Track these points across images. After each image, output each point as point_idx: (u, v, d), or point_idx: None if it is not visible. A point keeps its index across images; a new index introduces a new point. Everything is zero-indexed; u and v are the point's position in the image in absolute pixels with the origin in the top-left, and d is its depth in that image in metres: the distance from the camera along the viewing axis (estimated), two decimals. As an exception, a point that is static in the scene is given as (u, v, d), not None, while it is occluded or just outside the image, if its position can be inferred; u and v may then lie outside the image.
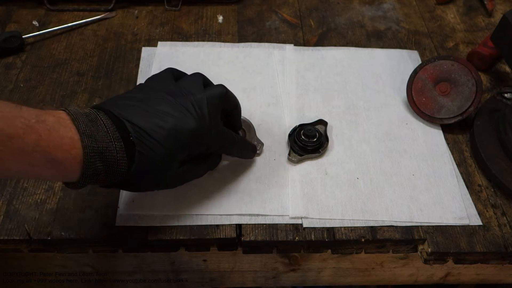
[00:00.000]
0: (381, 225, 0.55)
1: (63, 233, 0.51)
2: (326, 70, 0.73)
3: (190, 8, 0.82)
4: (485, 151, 0.60)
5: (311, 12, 0.83)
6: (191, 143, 0.47)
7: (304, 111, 0.66)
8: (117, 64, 0.71)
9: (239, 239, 0.53)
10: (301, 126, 0.62)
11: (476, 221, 0.56)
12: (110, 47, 0.74)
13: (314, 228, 0.54)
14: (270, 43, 0.76)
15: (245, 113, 0.63)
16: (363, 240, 0.53)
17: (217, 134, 0.49)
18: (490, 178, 0.60)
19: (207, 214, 0.54)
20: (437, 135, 0.65)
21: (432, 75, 0.66)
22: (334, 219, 0.55)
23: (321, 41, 0.78)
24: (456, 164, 0.62)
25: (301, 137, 0.60)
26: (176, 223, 0.53)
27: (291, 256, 0.59)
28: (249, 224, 0.54)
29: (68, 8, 0.80)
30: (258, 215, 0.54)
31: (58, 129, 0.40)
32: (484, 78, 0.74)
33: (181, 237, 0.52)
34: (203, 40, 0.76)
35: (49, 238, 0.51)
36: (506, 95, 0.62)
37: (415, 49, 0.77)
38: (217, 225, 0.53)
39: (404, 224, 0.55)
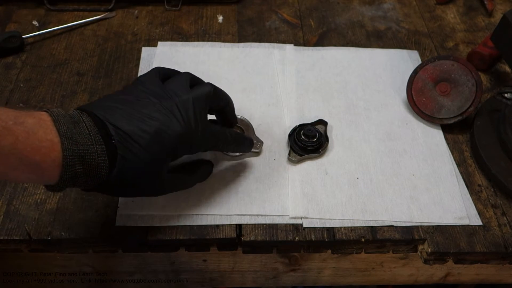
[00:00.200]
0: (381, 225, 0.55)
1: (63, 233, 0.51)
2: (326, 70, 0.73)
3: (190, 8, 0.82)
4: (485, 151, 0.60)
5: (311, 12, 0.83)
6: (176, 147, 0.46)
7: (304, 111, 0.66)
8: (117, 64, 0.71)
9: (239, 239, 0.53)
10: (301, 126, 0.62)
11: (476, 221, 0.56)
12: (110, 47, 0.74)
13: (314, 228, 0.54)
14: (270, 43, 0.76)
15: (245, 113, 0.64)
16: (363, 240, 0.53)
17: (204, 135, 0.48)
18: (490, 178, 0.60)
19: (207, 214, 0.54)
20: (437, 135, 0.65)
21: (432, 75, 0.66)
22: (334, 219, 0.55)
23: (321, 41, 0.78)
24: (456, 164, 0.62)
25: (301, 137, 0.60)
26: (176, 223, 0.53)
27: (291, 256, 0.59)
28: (249, 224, 0.54)
29: (68, 8, 0.80)
30: (258, 215, 0.54)
31: (37, 132, 0.39)
32: (484, 78, 0.74)
33: (181, 237, 0.52)
34: (203, 40, 0.76)
35: (49, 238, 0.51)
36: (506, 95, 0.62)
37: (415, 49, 0.77)
38: (217, 225, 0.53)
39: (404, 224, 0.55)
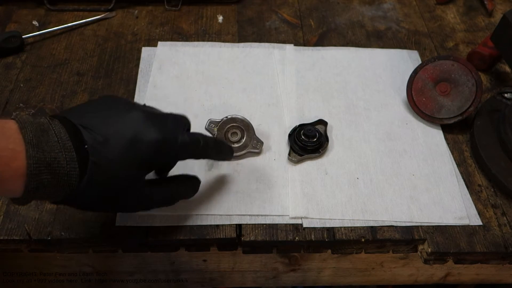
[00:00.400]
0: (381, 225, 0.55)
1: (63, 233, 0.51)
2: (326, 70, 0.73)
3: (190, 8, 0.82)
4: (485, 151, 0.60)
5: (311, 12, 0.83)
6: (154, 155, 0.44)
7: (304, 111, 0.66)
8: (117, 64, 0.71)
9: (239, 239, 0.53)
10: (301, 126, 0.62)
11: (476, 221, 0.56)
12: (110, 47, 0.74)
13: (314, 228, 0.54)
14: (270, 43, 0.76)
15: (245, 113, 0.64)
16: (363, 240, 0.53)
17: (183, 143, 0.46)
18: (490, 178, 0.60)
19: (207, 214, 0.54)
20: (437, 135, 0.65)
21: (432, 75, 0.66)
22: (334, 219, 0.55)
23: (321, 41, 0.78)
24: (456, 164, 0.62)
25: (301, 137, 0.60)
26: (176, 223, 0.53)
27: (291, 256, 0.59)
28: (249, 224, 0.54)
29: (68, 8, 0.80)
30: (258, 215, 0.54)
31: None
32: (484, 78, 0.74)
33: (181, 237, 0.52)
34: (203, 40, 0.76)
35: (49, 238, 0.51)
36: (506, 95, 0.62)
37: (415, 49, 0.77)
38: (217, 225, 0.53)
39: (404, 224, 0.55)
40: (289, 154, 0.60)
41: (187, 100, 0.66)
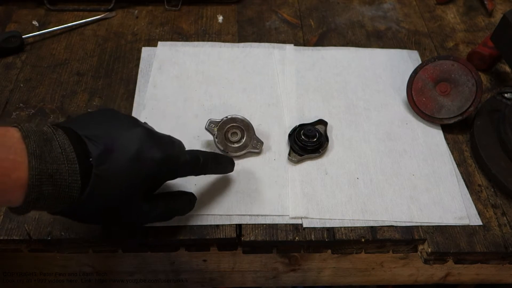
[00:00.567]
0: (381, 225, 0.55)
1: (63, 233, 0.51)
2: (326, 70, 0.73)
3: (190, 8, 0.82)
4: (485, 151, 0.60)
5: (311, 12, 0.83)
6: (157, 170, 0.44)
7: (304, 111, 0.66)
8: (117, 64, 0.71)
9: (239, 239, 0.53)
10: (301, 126, 0.62)
11: (476, 221, 0.56)
12: (110, 47, 0.74)
13: (314, 228, 0.54)
14: (270, 43, 0.76)
15: (245, 113, 0.64)
16: (363, 240, 0.53)
17: (184, 159, 0.47)
18: (490, 178, 0.60)
19: (207, 214, 0.54)
20: (437, 135, 0.65)
21: (432, 75, 0.66)
22: (334, 219, 0.55)
23: (321, 41, 0.78)
24: (456, 164, 0.62)
25: (301, 137, 0.60)
26: (176, 223, 0.53)
27: (291, 256, 0.59)
28: (249, 224, 0.54)
29: (68, 8, 0.80)
30: (258, 215, 0.54)
31: None
32: (484, 78, 0.74)
33: (181, 237, 0.52)
34: (203, 40, 0.76)
35: (49, 238, 0.51)
36: (506, 95, 0.62)
37: (415, 49, 0.77)
38: (217, 225, 0.53)
39: (404, 224, 0.55)
40: (289, 154, 0.60)
41: (187, 100, 0.66)
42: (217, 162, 0.53)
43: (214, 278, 0.63)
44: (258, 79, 0.70)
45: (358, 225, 0.54)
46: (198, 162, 0.48)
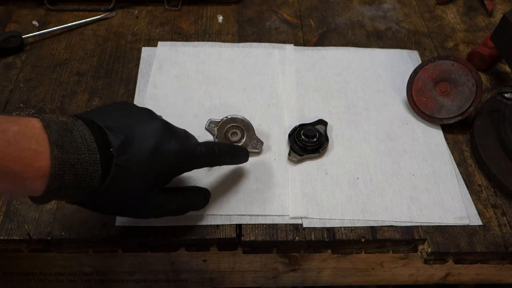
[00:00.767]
0: (381, 225, 0.55)
1: (63, 233, 0.51)
2: (326, 70, 0.73)
3: (190, 8, 0.82)
4: (485, 151, 0.60)
5: (311, 12, 0.83)
6: (174, 164, 0.45)
7: (304, 111, 0.66)
8: (117, 64, 0.71)
9: (239, 239, 0.53)
10: (301, 126, 0.62)
11: (476, 221, 0.56)
12: (110, 47, 0.74)
13: (314, 228, 0.54)
14: (270, 43, 0.76)
15: (245, 113, 0.64)
16: (363, 240, 0.53)
17: (201, 150, 0.47)
18: (490, 178, 0.60)
19: (207, 214, 0.54)
20: (437, 135, 0.65)
21: (432, 75, 0.66)
22: (334, 219, 0.55)
23: (321, 41, 0.78)
24: (456, 164, 0.62)
25: (301, 137, 0.60)
26: (176, 223, 0.53)
27: (291, 256, 0.59)
28: (249, 224, 0.54)
29: (68, 8, 0.80)
30: (258, 215, 0.54)
31: (19, 141, 0.37)
32: (484, 78, 0.74)
33: (181, 237, 0.52)
34: (203, 40, 0.76)
35: (49, 238, 0.51)
36: (506, 95, 0.62)
37: (415, 49, 0.77)
38: (217, 225, 0.53)
39: (404, 224, 0.55)
40: (289, 154, 0.60)
41: (187, 100, 0.66)
42: (232, 153, 0.53)
43: (214, 278, 0.63)
44: (258, 79, 0.70)
45: (358, 225, 0.54)
46: (213, 154, 0.49)
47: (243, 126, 0.60)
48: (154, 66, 0.70)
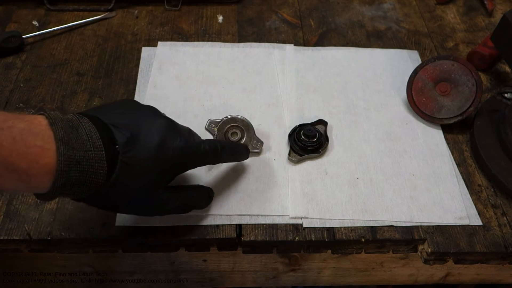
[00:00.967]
0: (381, 225, 0.55)
1: (63, 233, 0.51)
2: (326, 70, 0.73)
3: (190, 8, 0.82)
4: (485, 151, 0.60)
5: (311, 12, 0.83)
6: (179, 161, 0.45)
7: (304, 111, 0.66)
8: (117, 64, 0.71)
9: (239, 239, 0.53)
10: (301, 126, 0.62)
11: (476, 221, 0.56)
12: (110, 47, 0.74)
13: (314, 228, 0.54)
14: (270, 43, 0.76)
15: (245, 113, 0.64)
16: (363, 240, 0.53)
17: (205, 148, 0.48)
18: (490, 178, 0.60)
19: (207, 214, 0.54)
20: (437, 135, 0.65)
21: (432, 75, 0.66)
22: (334, 219, 0.55)
23: (321, 41, 0.78)
24: (456, 164, 0.62)
25: (301, 137, 0.60)
26: (176, 223, 0.53)
27: (291, 256, 0.59)
28: (249, 224, 0.54)
29: (68, 8, 0.80)
30: (258, 215, 0.54)
31: (25, 138, 0.37)
32: (484, 78, 0.74)
33: (181, 237, 0.52)
34: (203, 40, 0.76)
35: (49, 238, 0.51)
36: (506, 95, 0.62)
37: (415, 49, 0.77)
38: (217, 225, 0.53)
39: (404, 224, 0.55)
40: (289, 154, 0.60)
41: (187, 100, 0.66)
42: (234, 150, 0.54)
43: (214, 278, 0.63)
44: (258, 79, 0.70)
45: (358, 225, 0.54)
46: (216, 151, 0.49)
47: (243, 126, 0.60)
48: (154, 66, 0.70)
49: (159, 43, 0.75)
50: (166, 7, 0.81)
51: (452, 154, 0.63)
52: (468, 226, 0.55)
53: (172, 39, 0.76)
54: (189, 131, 0.48)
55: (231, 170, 0.58)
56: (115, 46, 0.74)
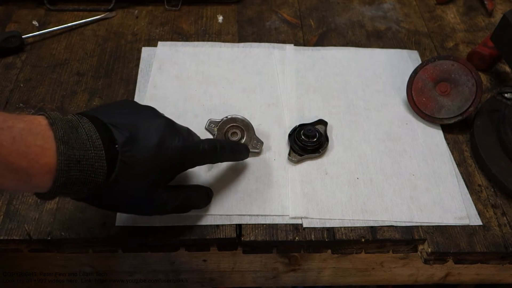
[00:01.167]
0: (381, 225, 0.55)
1: (63, 233, 0.51)
2: (326, 70, 0.73)
3: (190, 8, 0.82)
4: (485, 151, 0.60)
5: (311, 12, 0.83)
6: (178, 161, 0.46)
7: (304, 111, 0.66)
8: (117, 64, 0.71)
9: (239, 239, 0.53)
10: (301, 126, 0.62)
11: (476, 221, 0.56)
12: (110, 47, 0.74)
13: (314, 228, 0.54)
14: (270, 43, 0.76)
15: (245, 113, 0.64)
16: (363, 240, 0.53)
17: (203, 147, 0.48)
18: (490, 178, 0.60)
19: (207, 214, 0.54)
20: (437, 135, 0.65)
21: (432, 75, 0.66)
22: (334, 219, 0.55)
23: (321, 41, 0.78)
24: (456, 164, 0.62)
25: (301, 137, 0.60)
26: (176, 223, 0.53)
27: (291, 256, 0.59)
28: (249, 224, 0.54)
29: (68, 8, 0.80)
30: (258, 215, 0.54)
31: (25, 138, 0.37)
32: (484, 78, 0.74)
33: (181, 237, 0.52)
34: (203, 40, 0.76)
35: (49, 238, 0.51)
36: (506, 95, 0.62)
37: (415, 49, 0.77)
38: (217, 225, 0.53)
39: (404, 224, 0.55)
40: (289, 154, 0.60)
41: (187, 100, 0.66)
42: (233, 149, 0.54)
43: (214, 278, 0.63)
44: (258, 79, 0.70)
45: (358, 225, 0.54)
46: (216, 150, 0.50)
47: (243, 126, 0.60)
48: (154, 66, 0.70)
49: (159, 43, 0.75)
50: (166, 7, 0.81)
51: (452, 154, 0.63)
52: (468, 226, 0.55)
53: (172, 39, 0.76)
54: (188, 131, 0.49)
55: (231, 170, 0.58)
56: (115, 46, 0.74)
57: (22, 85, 0.67)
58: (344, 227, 0.54)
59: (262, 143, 0.60)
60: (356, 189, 0.58)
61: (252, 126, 0.60)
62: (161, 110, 0.49)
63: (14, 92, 0.66)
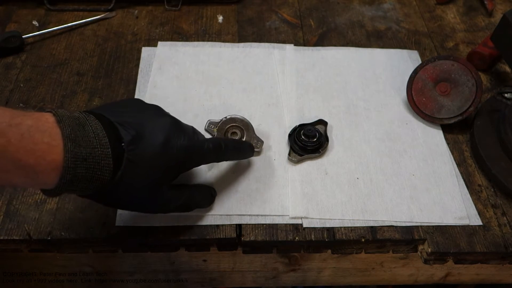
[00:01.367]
0: (381, 225, 0.55)
1: (63, 233, 0.51)
2: (326, 70, 0.73)
3: (190, 8, 0.82)
4: (485, 151, 0.60)
5: (311, 12, 0.83)
6: (183, 159, 0.46)
7: (304, 111, 0.66)
8: (117, 64, 0.71)
9: (239, 239, 0.53)
10: (301, 126, 0.62)
11: (476, 221, 0.56)
12: (110, 47, 0.74)
13: (314, 228, 0.54)
14: (270, 43, 0.76)
15: (245, 113, 0.64)
16: (363, 240, 0.53)
17: (208, 146, 0.48)
18: (490, 178, 0.60)
19: (207, 214, 0.54)
20: (437, 135, 0.65)
21: (432, 75, 0.66)
22: (334, 219, 0.55)
23: (321, 41, 0.78)
24: (456, 164, 0.62)
25: (301, 137, 0.60)
26: (176, 223, 0.53)
27: (291, 256, 0.59)
28: (249, 224, 0.54)
29: (68, 8, 0.80)
30: (258, 215, 0.54)
31: (33, 134, 0.37)
32: (484, 78, 0.74)
33: (181, 237, 0.52)
34: (203, 40, 0.76)
35: (49, 238, 0.51)
36: (506, 95, 0.62)
37: (415, 49, 0.77)
38: (217, 225, 0.53)
39: (404, 224, 0.55)
40: (289, 154, 0.60)
41: (187, 100, 0.66)
42: (238, 148, 0.55)
43: (214, 278, 0.63)
44: (258, 79, 0.70)
45: (358, 225, 0.54)
46: (220, 149, 0.50)
47: (243, 125, 0.60)
48: (154, 66, 0.70)
49: (159, 43, 0.75)
50: (166, 7, 0.81)
51: (452, 154, 0.63)
52: (468, 226, 0.55)
53: (172, 39, 0.76)
54: (193, 130, 0.49)
55: (231, 170, 0.58)
56: (115, 46, 0.74)
57: (22, 85, 0.67)
58: (344, 227, 0.54)
59: (262, 142, 0.60)
60: (356, 189, 0.58)
61: (251, 125, 0.60)
62: (161, 110, 0.50)
63: (14, 92, 0.66)
